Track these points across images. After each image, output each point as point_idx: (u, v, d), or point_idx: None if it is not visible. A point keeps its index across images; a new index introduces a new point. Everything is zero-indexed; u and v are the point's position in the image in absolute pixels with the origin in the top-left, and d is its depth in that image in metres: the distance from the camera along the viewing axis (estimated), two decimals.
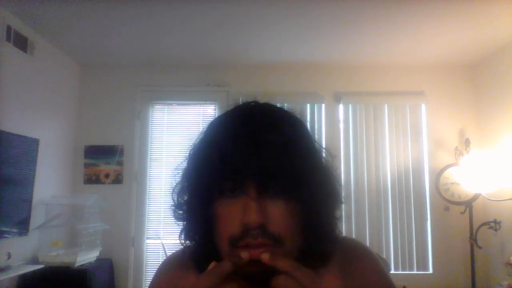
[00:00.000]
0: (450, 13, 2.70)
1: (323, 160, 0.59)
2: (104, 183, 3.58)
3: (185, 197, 0.60)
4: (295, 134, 0.55)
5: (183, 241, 0.61)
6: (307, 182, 0.52)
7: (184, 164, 0.60)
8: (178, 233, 0.61)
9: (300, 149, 0.54)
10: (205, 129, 0.61)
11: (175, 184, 0.61)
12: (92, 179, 3.59)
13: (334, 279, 0.59)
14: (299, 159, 0.52)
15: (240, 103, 0.62)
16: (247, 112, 0.58)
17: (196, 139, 0.61)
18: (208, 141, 0.57)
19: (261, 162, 0.50)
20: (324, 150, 0.61)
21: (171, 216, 0.62)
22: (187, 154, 0.60)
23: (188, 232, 0.60)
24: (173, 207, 0.61)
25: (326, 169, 0.59)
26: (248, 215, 0.50)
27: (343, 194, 0.61)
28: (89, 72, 3.74)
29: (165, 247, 3.36)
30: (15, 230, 2.69)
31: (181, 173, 0.60)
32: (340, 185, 0.60)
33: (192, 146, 0.60)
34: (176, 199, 0.61)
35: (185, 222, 0.60)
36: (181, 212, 0.60)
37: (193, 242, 0.60)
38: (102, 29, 3.01)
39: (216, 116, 0.62)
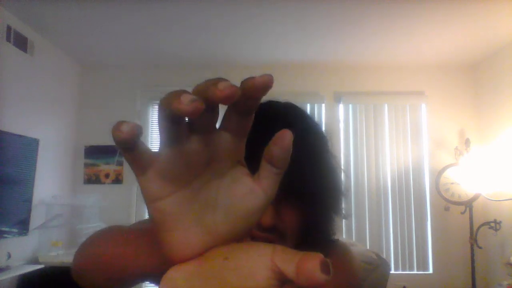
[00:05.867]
0: (450, 13, 2.69)
1: (336, 172, 0.65)
2: (104, 183, 3.58)
3: None
4: (317, 148, 0.61)
5: None
6: (318, 196, 0.60)
7: None
8: None
9: (319, 166, 0.60)
10: None
11: None
12: (92, 179, 3.59)
13: None
14: (317, 177, 0.59)
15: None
16: (272, 117, 0.58)
17: None
18: None
19: (286, 178, 0.53)
20: (337, 160, 0.67)
21: None
22: None
23: None
24: None
25: (336, 183, 0.64)
26: (263, 215, 0.53)
27: (346, 202, 0.69)
28: (89, 72, 3.74)
29: None
30: (15, 230, 2.69)
31: None
32: (345, 194, 0.67)
33: None
34: None
35: None
36: None
37: None
38: (102, 29, 3.01)
39: None
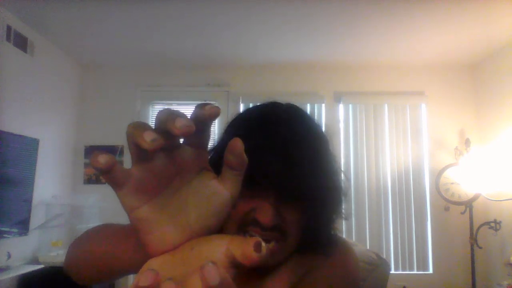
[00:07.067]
0: (451, 13, 2.69)
1: (337, 173, 0.66)
2: (104, 183, 3.56)
3: None
4: (318, 149, 0.62)
5: None
6: (319, 196, 0.60)
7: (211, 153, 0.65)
8: None
9: (321, 166, 0.61)
10: (235, 128, 0.65)
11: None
12: (92, 179, 3.59)
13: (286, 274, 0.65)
14: (318, 178, 0.59)
15: (267, 103, 0.68)
16: (274, 119, 0.62)
17: (224, 132, 0.66)
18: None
19: (289, 179, 0.57)
20: (338, 162, 0.68)
21: None
22: (215, 144, 0.65)
23: None
24: None
25: (337, 184, 0.65)
26: (264, 215, 0.56)
27: (346, 205, 0.69)
28: (89, 72, 3.74)
29: None
30: (15, 230, 2.69)
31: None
32: (345, 195, 0.67)
33: (221, 140, 0.65)
34: None
35: None
36: None
37: None
38: (102, 29, 3.01)
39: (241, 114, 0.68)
